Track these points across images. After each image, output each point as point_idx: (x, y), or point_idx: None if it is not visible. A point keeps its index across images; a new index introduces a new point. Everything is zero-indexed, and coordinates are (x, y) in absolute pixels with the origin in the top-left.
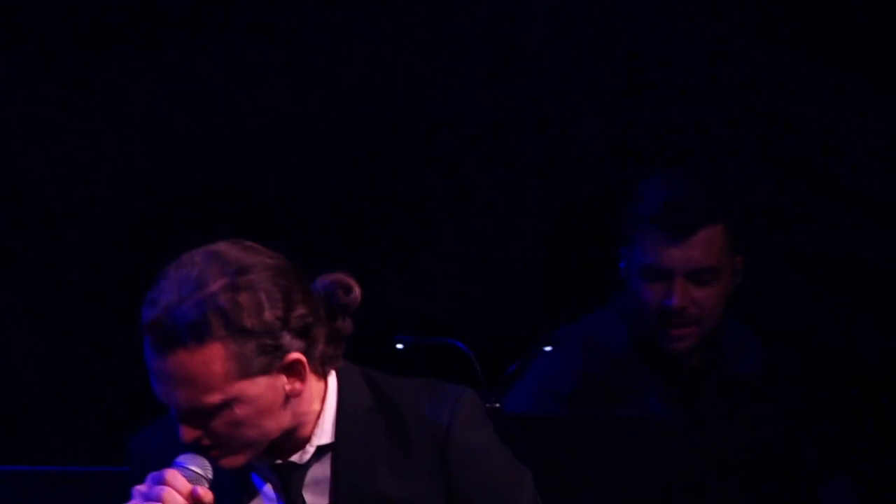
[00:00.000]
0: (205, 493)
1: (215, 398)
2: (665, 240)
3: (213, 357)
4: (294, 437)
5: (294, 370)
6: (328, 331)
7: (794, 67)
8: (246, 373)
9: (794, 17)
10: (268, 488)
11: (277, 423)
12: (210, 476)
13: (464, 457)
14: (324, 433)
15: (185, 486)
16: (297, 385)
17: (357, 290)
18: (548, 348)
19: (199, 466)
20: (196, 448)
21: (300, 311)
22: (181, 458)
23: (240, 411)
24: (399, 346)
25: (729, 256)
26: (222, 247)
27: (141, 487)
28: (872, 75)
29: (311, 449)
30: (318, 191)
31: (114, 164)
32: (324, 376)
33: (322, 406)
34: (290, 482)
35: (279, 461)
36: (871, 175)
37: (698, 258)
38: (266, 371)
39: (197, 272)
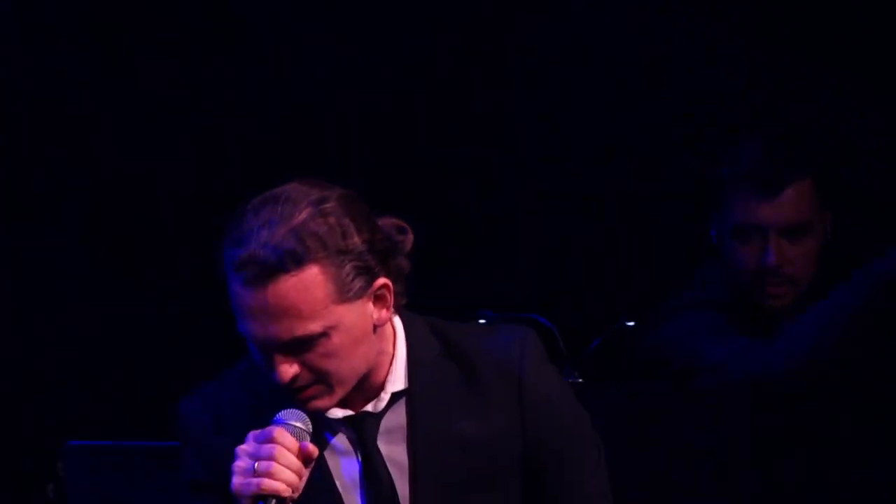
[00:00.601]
0: (312, 447)
1: (315, 326)
2: (756, 197)
3: (314, 280)
4: (369, 383)
5: (381, 297)
6: (394, 266)
7: (795, 67)
8: (344, 297)
9: (794, 17)
10: (340, 443)
11: (366, 355)
12: (311, 430)
13: (539, 397)
14: (397, 379)
15: (293, 442)
16: (384, 313)
17: (410, 233)
18: (630, 323)
19: (302, 422)
20: (291, 389)
21: (380, 235)
22: (281, 416)
23: (337, 340)
24: (482, 321)
25: (819, 212)
26: (292, 185)
27: (245, 447)
28: (872, 75)
29: (385, 396)
30: (405, 164)
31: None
32: (391, 318)
33: (394, 351)
34: (364, 433)
35: (352, 413)
36: (871, 175)
37: (790, 214)
38: (360, 296)
39: (280, 207)
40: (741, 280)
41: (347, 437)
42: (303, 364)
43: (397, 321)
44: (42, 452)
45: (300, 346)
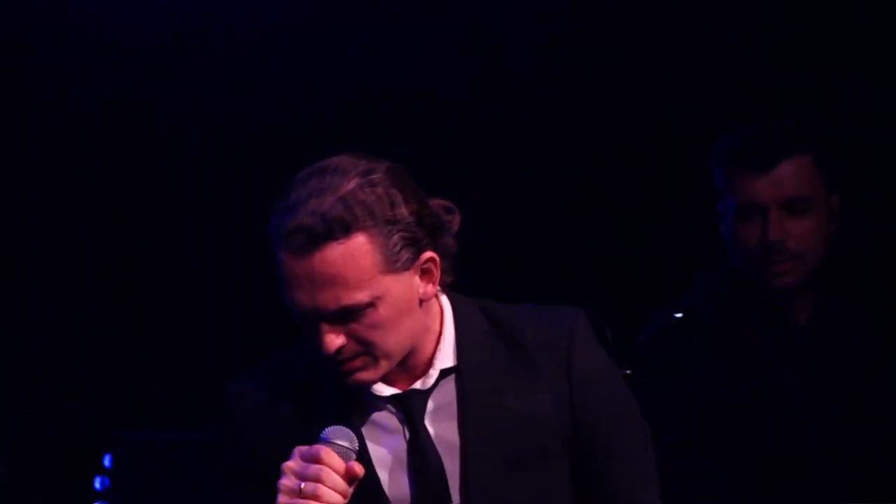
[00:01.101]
0: (358, 467)
1: (362, 296)
2: (753, 174)
3: (361, 249)
4: (416, 361)
5: (427, 271)
6: (441, 243)
7: (795, 68)
8: (391, 267)
9: (794, 17)
10: (388, 422)
11: (412, 329)
12: (357, 447)
13: (587, 377)
14: (446, 356)
15: (340, 463)
16: (430, 287)
17: (458, 214)
18: (678, 315)
19: (347, 440)
20: (336, 361)
21: (427, 210)
22: (327, 433)
23: (383, 311)
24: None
25: (822, 189)
26: (340, 157)
27: (292, 464)
28: (872, 75)
29: (434, 373)
30: (446, 155)
31: None
32: (438, 296)
33: (441, 328)
34: (411, 410)
35: (400, 391)
36: (871, 174)
37: (788, 187)
38: (407, 267)
39: (328, 178)
40: (747, 264)
41: (395, 416)
42: (349, 335)
43: (445, 300)
44: (89, 444)
45: (346, 317)
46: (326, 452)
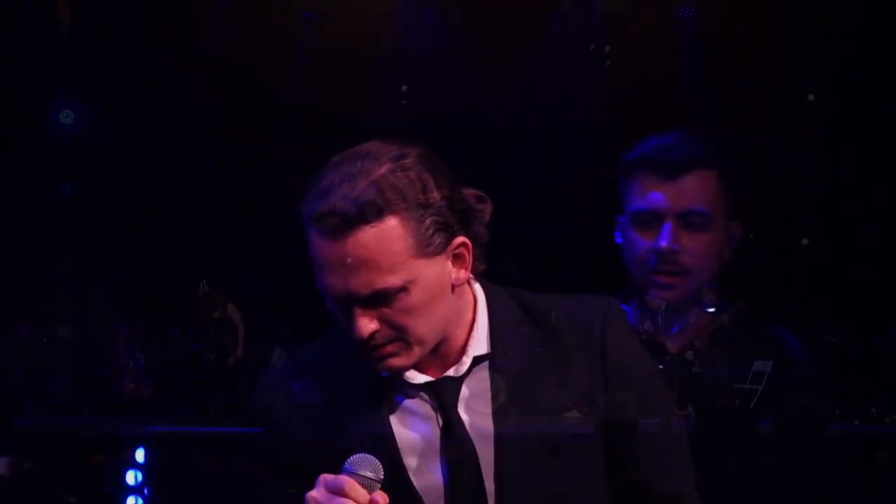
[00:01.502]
0: (382, 499)
1: (395, 279)
2: (655, 181)
3: (393, 232)
4: (449, 348)
5: (459, 256)
6: (473, 231)
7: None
8: (423, 251)
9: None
10: (421, 409)
11: (444, 314)
12: (381, 478)
13: (622, 364)
14: (479, 344)
15: (364, 495)
16: (462, 273)
17: (489, 202)
18: (711, 310)
19: (372, 470)
20: (369, 347)
21: (459, 195)
22: (351, 464)
23: (416, 295)
24: None
25: (723, 208)
26: (372, 143)
27: (315, 495)
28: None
29: (467, 360)
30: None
31: None
32: (472, 285)
33: (474, 315)
34: (444, 398)
35: (433, 379)
36: (871, 174)
37: (689, 199)
38: (439, 252)
39: (360, 162)
40: (635, 272)
41: (428, 404)
42: (381, 320)
43: (478, 288)
44: (123, 440)
45: (379, 301)
46: (350, 485)
